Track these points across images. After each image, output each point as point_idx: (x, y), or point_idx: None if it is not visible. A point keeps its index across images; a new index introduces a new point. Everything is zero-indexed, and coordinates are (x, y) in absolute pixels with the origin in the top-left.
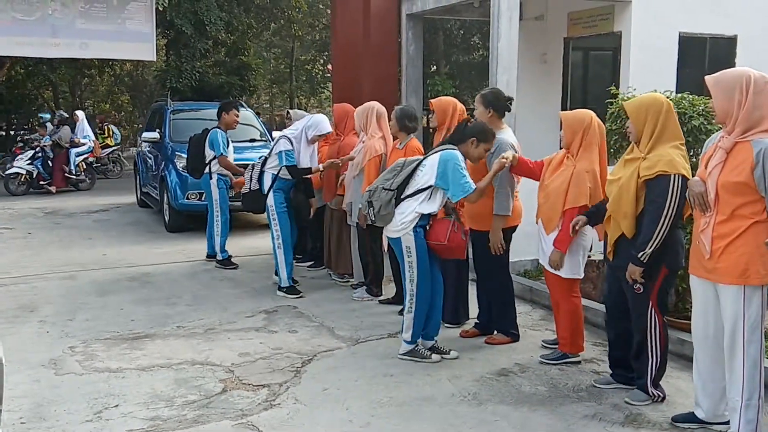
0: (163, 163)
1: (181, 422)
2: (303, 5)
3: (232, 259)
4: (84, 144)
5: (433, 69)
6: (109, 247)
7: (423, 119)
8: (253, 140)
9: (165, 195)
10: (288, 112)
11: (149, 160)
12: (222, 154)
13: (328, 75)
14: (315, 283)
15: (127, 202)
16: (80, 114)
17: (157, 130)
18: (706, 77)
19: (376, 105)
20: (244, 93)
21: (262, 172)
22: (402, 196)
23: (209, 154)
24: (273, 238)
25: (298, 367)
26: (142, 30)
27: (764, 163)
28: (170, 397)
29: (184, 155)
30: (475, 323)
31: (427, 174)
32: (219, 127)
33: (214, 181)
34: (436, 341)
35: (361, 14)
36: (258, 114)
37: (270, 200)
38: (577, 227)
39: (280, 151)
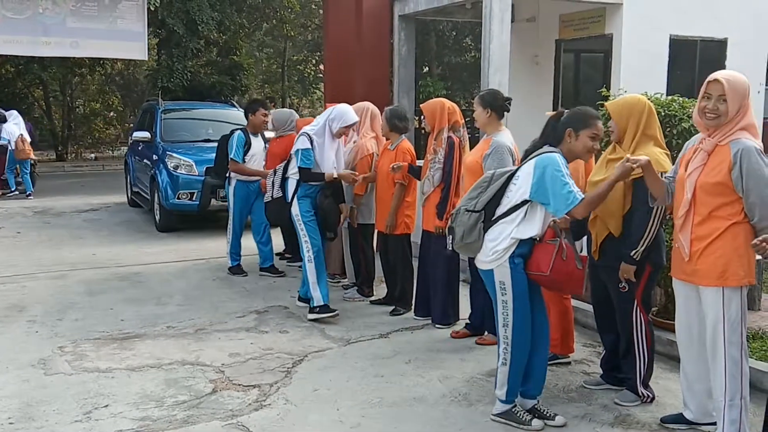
0: (154, 162)
1: (171, 422)
2: (295, 5)
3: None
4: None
5: (425, 70)
6: (99, 246)
7: (415, 121)
8: None
9: (156, 194)
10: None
11: (140, 160)
12: (232, 158)
13: (320, 75)
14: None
15: (118, 202)
16: (10, 113)
17: (148, 130)
18: (720, 77)
19: (369, 105)
20: (235, 93)
21: (285, 178)
22: (492, 218)
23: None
24: (302, 251)
25: (289, 368)
26: (133, 29)
27: (741, 163)
28: (160, 398)
29: (176, 155)
30: (466, 324)
31: (521, 187)
32: (244, 129)
33: (231, 188)
34: (538, 401)
35: (354, 15)
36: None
37: (295, 209)
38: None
39: (297, 150)
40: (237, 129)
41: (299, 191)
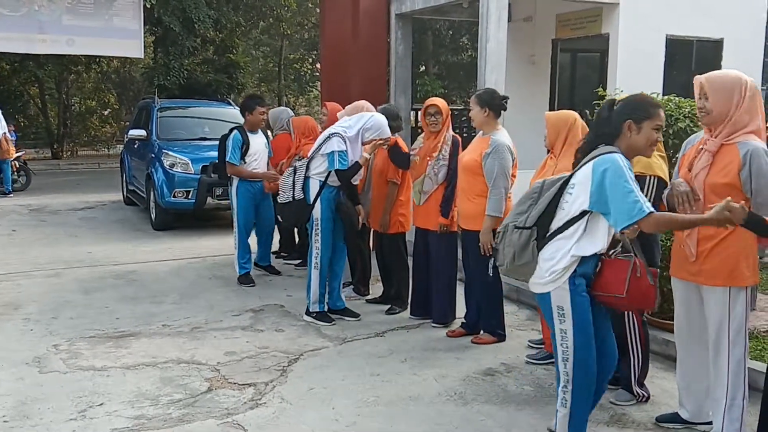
0: (150, 160)
1: (166, 421)
2: (292, 4)
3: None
4: None
5: (422, 69)
6: (94, 244)
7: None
8: None
9: (152, 193)
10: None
11: (136, 158)
12: (228, 160)
13: (317, 74)
14: (302, 281)
15: (114, 200)
16: None
17: (144, 128)
18: (700, 76)
19: (365, 104)
20: (232, 91)
21: (306, 178)
22: (547, 235)
23: None
24: (310, 255)
25: (285, 366)
26: (129, 27)
27: (751, 164)
28: (155, 396)
29: (172, 153)
30: (462, 323)
31: (579, 195)
32: (241, 128)
33: (233, 188)
34: None
35: (350, 14)
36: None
37: (317, 212)
38: None
39: (332, 152)
40: (235, 128)
41: (324, 194)
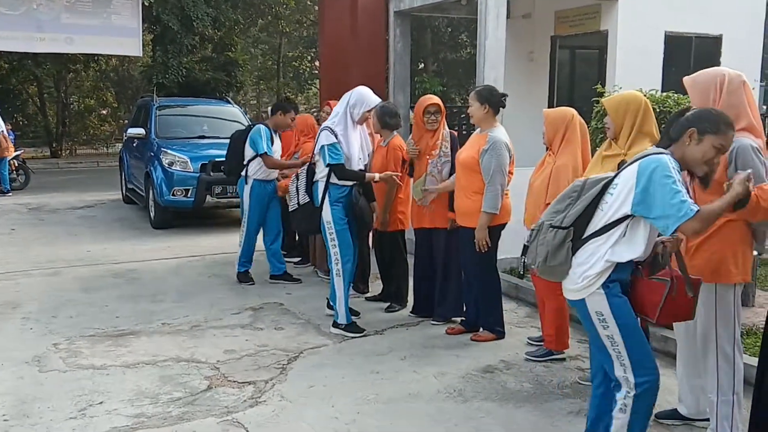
0: (149, 159)
1: (165, 419)
2: (291, 1)
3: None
4: None
5: (420, 66)
6: (93, 243)
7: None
8: None
9: (151, 191)
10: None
11: (135, 157)
12: (266, 152)
13: (316, 72)
14: (302, 279)
15: (113, 199)
16: None
17: (143, 127)
18: (684, 77)
19: None
20: (230, 89)
21: (313, 182)
22: (583, 236)
23: (248, 154)
24: (330, 262)
25: (284, 364)
26: (128, 25)
27: (736, 161)
28: (155, 394)
29: (171, 152)
30: (461, 320)
31: (620, 197)
32: (265, 124)
33: (248, 188)
34: None
35: (349, 11)
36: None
37: (327, 215)
38: None
39: (322, 146)
40: (256, 124)
41: (331, 194)
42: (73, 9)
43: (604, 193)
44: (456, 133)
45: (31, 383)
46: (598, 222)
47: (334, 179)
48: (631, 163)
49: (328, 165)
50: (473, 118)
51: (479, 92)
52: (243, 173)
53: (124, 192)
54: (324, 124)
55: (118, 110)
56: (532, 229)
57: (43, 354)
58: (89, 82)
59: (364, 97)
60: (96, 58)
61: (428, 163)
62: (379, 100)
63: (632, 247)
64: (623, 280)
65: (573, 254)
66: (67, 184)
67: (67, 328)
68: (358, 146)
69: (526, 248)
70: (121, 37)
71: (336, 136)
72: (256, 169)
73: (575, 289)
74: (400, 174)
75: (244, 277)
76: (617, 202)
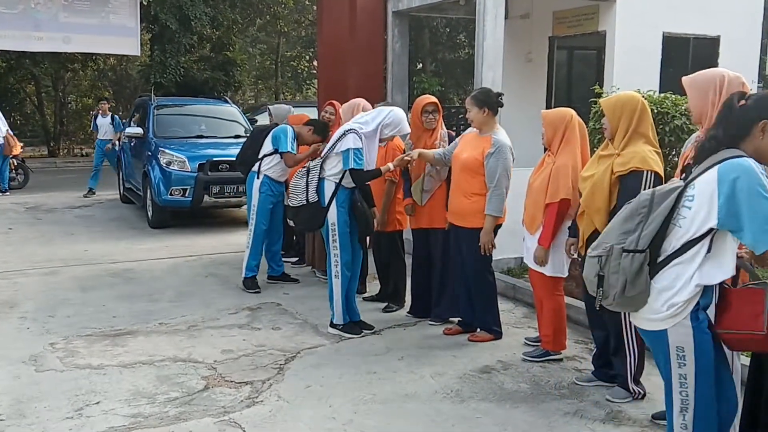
0: (147, 158)
1: (162, 419)
2: (289, 1)
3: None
4: None
5: (419, 66)
6: (91, 242)
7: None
8: (237, 136)
9: (148, 191)
10: (268, 108)
11: (132, 156)
12: (289, 151)
13: (314, 71)
14: (299, 279)
15: (110, 198)
16: None
17: (141, 126)
18: (683, 78)
19: (362, 102)
20: (228, 89)
21: (321, 179)
22: (659, 259)
23: (266, 149)
24: (329, 264)
25: (281, 364)
26: (126, 24)
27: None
28: (152, 394)
29: (168, 151)
30: (458, 321)
31: (702, 209)
32: (288, 124)
33: (258, 183)
34: None
35: (347, 11)
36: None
37: (332, 216)
38: (570, 251)
39: (348, 149)
40: (276, 124)
41: (339, 197)
42: (71, 8)
43: (678, 206)
44: (453, 133)
45: (27, 383)
46: (676, 240)
47: (345, 182)
48: (706, 169)
49: (351, 169)
50: (474, 123)
51: (475, 97)
52: (256, 168)
53: (121, 191)
54: (350, 126)
55: (115, 109)
56: (599, 257)
57: (39, 353)
58: (87, 82)
59: (402, 122)
60: (94, 57)
61: (426, 163)
62: (409, 130)
63: (722, 266)
64: (708, 306)
65: (651, 279)
66: (65, 183)
67: (64, 328)
68: (375, 158)
69: (601, 278)
70: (119, 36)
71: (362, 142)
72: (269, 165)
73: (658, 318)
74: (396, 179)
75: (250, 284)
76: (699, 216)
